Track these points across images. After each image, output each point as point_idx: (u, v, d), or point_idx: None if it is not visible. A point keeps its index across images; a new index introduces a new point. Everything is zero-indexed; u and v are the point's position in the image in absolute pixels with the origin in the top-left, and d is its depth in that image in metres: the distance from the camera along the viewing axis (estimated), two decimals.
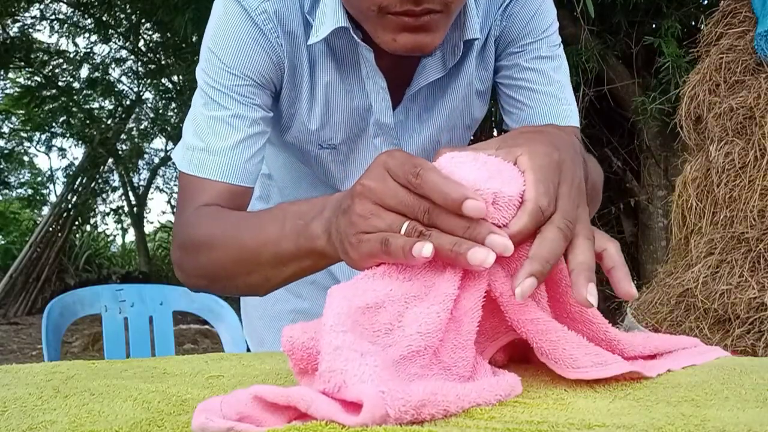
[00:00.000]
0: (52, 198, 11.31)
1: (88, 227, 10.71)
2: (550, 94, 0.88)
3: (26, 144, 11.33)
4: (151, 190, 11.45)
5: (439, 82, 0.87)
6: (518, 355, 0.61)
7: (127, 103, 9.66)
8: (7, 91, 10.05)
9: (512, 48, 0.89)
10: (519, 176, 0.51)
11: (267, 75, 0.82)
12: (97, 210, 11.05)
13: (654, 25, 3.85)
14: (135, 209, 10.94)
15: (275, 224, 0.64)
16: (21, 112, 10.03)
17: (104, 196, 11.06)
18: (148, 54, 8.45)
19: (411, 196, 0.50)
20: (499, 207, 0.50)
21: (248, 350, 1.19)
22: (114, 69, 9.25)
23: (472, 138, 1.09)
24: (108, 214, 11.61)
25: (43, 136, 10.71)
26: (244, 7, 0.80)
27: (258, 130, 0.81)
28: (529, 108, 0.89)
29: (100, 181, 9.99)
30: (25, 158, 11.92)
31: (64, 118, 9.67)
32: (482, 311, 0.50)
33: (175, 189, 11.30)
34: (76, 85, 9.28)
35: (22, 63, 8.68)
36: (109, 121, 9.61)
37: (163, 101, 9.63)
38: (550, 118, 0.87)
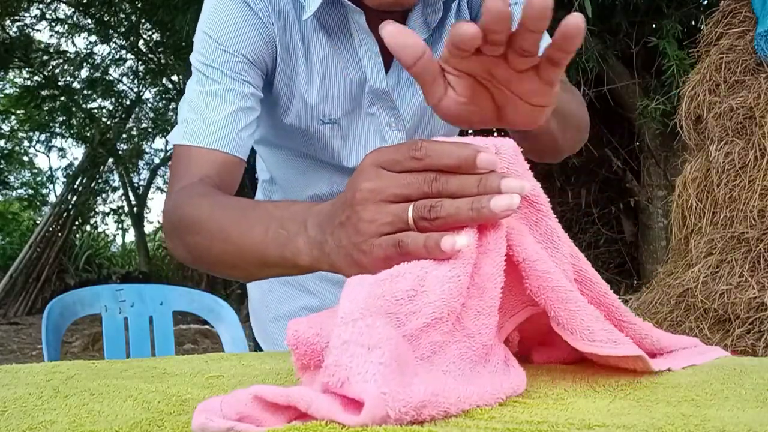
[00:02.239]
0: (52, 198, 11.31)
1: (88, 227, 10.72)
2: None
3: (26, 144, 11.34)
4: (151, 190, 11.46)
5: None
6: (521, 353, 0.61)
7: (127, 103, 9.67)
8: (7, 91, 10.06)
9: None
10: (508, 139, 0.52)
11: (259, 53, 0.86)
12: (97, 210, 11.05)
13: (654, 26, 3.85)
14: (135, 209, 10.95)
15: (260, 227, 0.63)
16: (21, 112, 10.04)
17: (104, 196, 11.07)
18: (148, 54, 8.45)
19: (411, 175, 0.49)
20: (502, 156, 0.50)
21: (258, 349, 1.18)
22: (114, 69, 9.27)
23: None
24: (108, 214, 11.62)
25: (43, 136, 10.71)
26: None
27: (249, 105, 0.85)
28: None
29: (100, 181, 10.00)
30: (25, 158, 11.93)
31: (64, 118, 9.67)
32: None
33: None
34: (76, 85, 9.29)
35: (22, 63, 8.68)
36: (109, 121, 9.61)
37: (163, 101, 9.64)
38: None
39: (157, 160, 11.18)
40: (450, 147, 0.48)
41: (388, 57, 0.91)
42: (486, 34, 0.50)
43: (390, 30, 0.52)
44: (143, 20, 7.46)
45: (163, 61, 8.02)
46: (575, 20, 0.50)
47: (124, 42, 8.52)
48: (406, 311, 0.45)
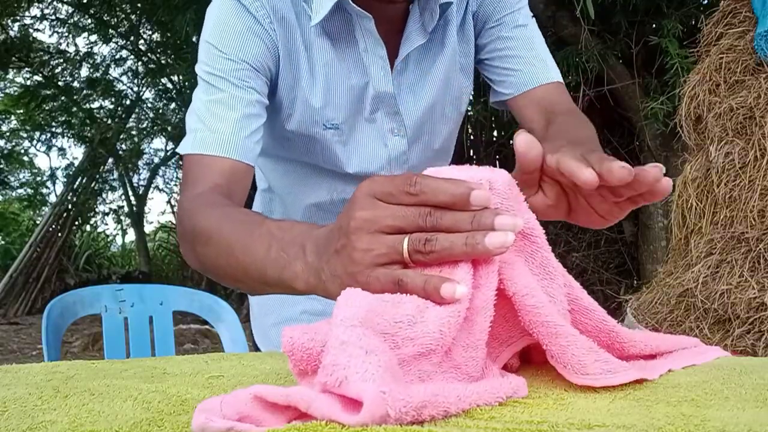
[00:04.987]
0: (52, 198, 11.30)
1: (88, 227, 10.72)
2: (535, 57, 0.97)
3: (26, 144, 11.33)
4: (151, 190, 11.45)
5: (425, 50, 0.94)
6: (521, 353, 0.61)
7: (127, 103, 9.66)
8: (7, 91, 10.05)
9: (490, 23, 0.97)
10: (503, 171, 0.53)
11: (262, 60, 0.87)
12: (97, 210, 11.04)
13: (654, 25, 3.85)
14: (135, 209, 10.94)
15: (262, 247, 0.63)
16: (21, 111, 10.03)
17: (104, 196, 11.06)
18: (148, 54, 8.45)
19: (406, 208, 0.49)
20: (496, 191, 0.51)
21: (257, 349, 1.18)
22: (114, 69, 9.26)
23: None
24: (108, 214, 11.61)
25: (43, 136, 10.70)
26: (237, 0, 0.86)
27: (255, 111, 0.86)
28: (519, 72, 0.96)
29: (100, 181, 9.99)
30: (25, 158, 11.91)
31: (64, 118, 9.67)
32: (497, 315, 0.49)
33: (176, 189, 11.30)
34: (76, 85, 9.29)
35: (22, 63, 8.68)
36: (109, 121, 9.61)
37: (163, 101, 9.64)
38: (540, 79, 0.96)
39: (157, 160, 11.19)
40: (444, 184, 0.49)
41: (392, 62, 0.92)
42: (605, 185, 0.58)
43: (524, 138, 0.59)
44: (143, 20, 7.46)
45: (163, 61, 8.01)
46: (665, 186, 0.58)
47: (124, 42, 8.52)
48: (404, 336, 0.45)
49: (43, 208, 11.99)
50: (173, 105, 9.28)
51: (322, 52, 0.90)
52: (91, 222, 10.99)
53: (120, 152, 10.03)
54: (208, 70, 0.86)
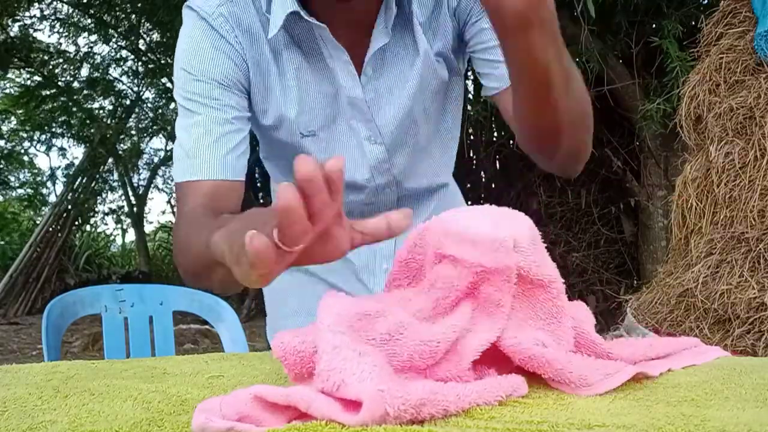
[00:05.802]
0: (52, 198, 11.30)
1: (88, 227, 10.72)
2: None
3: (26, 144, 11.33)
4: (151, 190, 11.45)
5: (393, 51, 0.90)
6: None
7: (127, 102, 9.67)
8: (7, 91, 10.06)
9: (473, 17, 0.92)
10: (524, 217, 0.54)
11: (232, 76, 0.87)
12: (97, 210, 11.05)
13: (654, 26, 3.85)
14: (135, 209, 10.94)
15: (211, 234, 0.62)
16: (21, 111, 10.03)
17: (104, 196, 11.06)
18: (148, 54, 8.45)
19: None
20: (520, 249, 0.51)
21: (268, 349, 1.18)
22: (114, 69, 9.27)
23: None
24: (108, 214, 11.62)
25: (43, 136, 10.70)
26: (201, 16, 0.87)
27: (232, 128, 0.86)
28: (503, 64, 0.90)
29: (100, 181, 10.00)
30: (25, 158, 11.92)
31: (64, 118, 9.67)
32: (488, 359, 0.50)
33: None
34: (76, 85, 9.29)
35: (22, 63, 8.68)
36: (109, 121, 9.61)
37: (163, 101, 9.64)
38: None
39: (156, 160, 11.19)
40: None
41: (359, 68, 0.90)
42: None
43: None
44: (143, 20, 7.46)
45: (163, 61, 8.01)
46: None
47: (124, 42, 8.52)
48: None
49: (43, 208, 11.98)
50: (173, 105, 9.27)
51: (291, 61, 0.89)
52: (91, 222, 11.00)
53: (120, 152, 10.03)
54: (183, 95, 0.88)
